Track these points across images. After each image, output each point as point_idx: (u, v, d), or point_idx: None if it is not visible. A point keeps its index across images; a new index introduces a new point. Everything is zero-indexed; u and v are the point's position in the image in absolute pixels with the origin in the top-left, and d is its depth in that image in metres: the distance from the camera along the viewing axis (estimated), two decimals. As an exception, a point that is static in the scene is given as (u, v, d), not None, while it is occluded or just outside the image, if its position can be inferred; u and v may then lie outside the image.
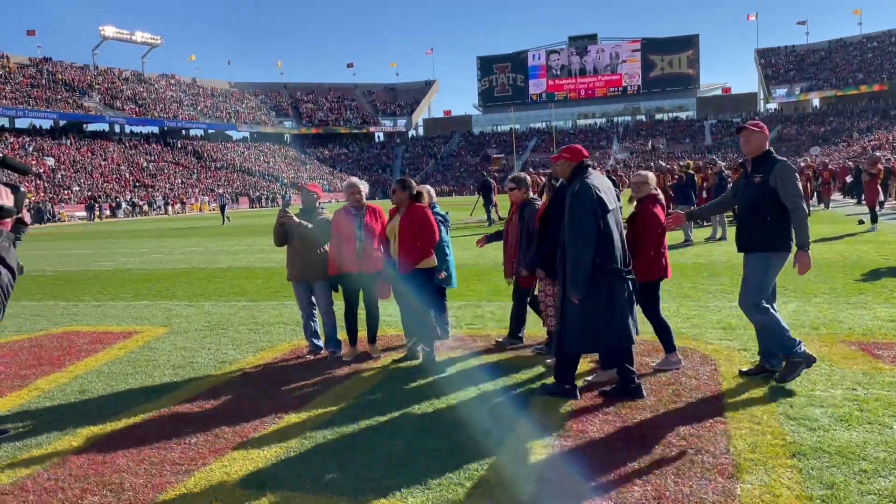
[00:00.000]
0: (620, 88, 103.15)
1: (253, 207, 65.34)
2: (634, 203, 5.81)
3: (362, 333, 6.79)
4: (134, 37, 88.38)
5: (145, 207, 58.04)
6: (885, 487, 3.48)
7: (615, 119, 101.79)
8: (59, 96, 72.87)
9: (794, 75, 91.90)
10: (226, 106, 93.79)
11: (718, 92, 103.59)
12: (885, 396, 4.80)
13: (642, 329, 6.05)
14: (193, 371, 6.42)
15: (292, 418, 4.96)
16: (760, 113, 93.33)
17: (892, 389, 4.95)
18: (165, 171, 71.45)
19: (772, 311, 5.17)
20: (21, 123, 70.44)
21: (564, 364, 5.11)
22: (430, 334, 6.30)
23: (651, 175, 5.87)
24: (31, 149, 62.96)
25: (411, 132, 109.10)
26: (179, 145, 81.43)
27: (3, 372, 6.67)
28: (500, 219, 23.51)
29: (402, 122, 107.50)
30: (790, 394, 4.94)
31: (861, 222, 18.03)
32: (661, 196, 5.82)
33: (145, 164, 71.07)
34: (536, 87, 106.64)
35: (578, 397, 5.06)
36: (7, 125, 68.89)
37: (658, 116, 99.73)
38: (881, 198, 19.71)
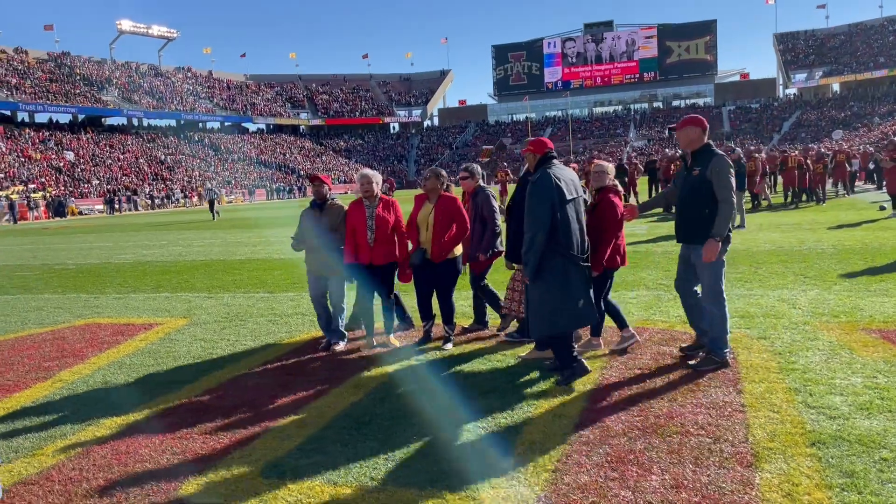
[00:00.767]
0: (637, 75, 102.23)
1: (270, 199, 65.61)
2: (593, 193, 5.96)
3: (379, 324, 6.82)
4: (150, 30, 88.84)
5: (164, 200, 58.44)
6: (907, 476, 3.46)
7: (632, 106, 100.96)
8: (78, 90, 73.45)
9: (813, 60, 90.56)
10: (242, 98, 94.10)
11: (736, 78, 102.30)
12: (906, 384, 4.76)
13: (657, 318, 6.06)
14: (213, 362, 6.48)
15: (311, 408, 5.00)
16: (780, 98, 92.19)
17: (914, 377, 4.90)
18: (183, 163, 71.90)
19: (725, 303, 5.41)
20: (40, 118, 71.12)
21: (557, 347, 5.34)
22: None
23: (610, 166, 6.00)
24: (50, 143, 63.59)
25: (426, 122, 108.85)
26: (196, 138, 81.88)
27: (27, 364, 6.78)
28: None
29: (417, 112, 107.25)
30: (810, 382, 4.91)
31: (882, 208, 17.80)
32: (619, 187, 6.00)
33: (163, 156, 71.56)
34: (552, 75, 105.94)
35: (590, 369, 5.32)
36: (27, 119, 69.58)
37: (675, 103, 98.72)
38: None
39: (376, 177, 6.64)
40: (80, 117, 73.49)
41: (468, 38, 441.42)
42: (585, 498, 3.43)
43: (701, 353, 5.55)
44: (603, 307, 5.97)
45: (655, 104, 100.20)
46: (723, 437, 4.07)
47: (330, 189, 6.90)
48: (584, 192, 5.73)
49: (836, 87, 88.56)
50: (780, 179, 24.28)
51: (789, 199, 21.52)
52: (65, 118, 72.58)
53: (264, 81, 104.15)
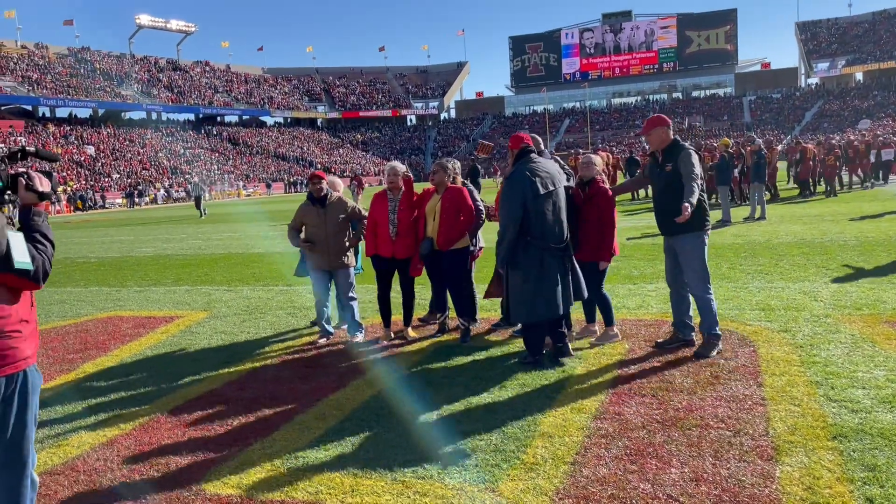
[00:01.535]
0: (656, 66, 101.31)
1: (288, 192, 65.91)
2: (583, 185, 6.06)
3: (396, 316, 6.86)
4: (169, 24, 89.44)
5: (182, 194, 58.88)
6: (930, 470, 3.42)
7: (651, 97, 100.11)
8: (98, 85, 74.13)
9: (836, 49, 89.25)
10: (259, 92, 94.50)
11: (757, 67, 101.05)
12: (930, 378, 4.70)
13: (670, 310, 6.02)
14: (233, 354, 6.55)
15: (330, 400, 5.04)
16: (801, 88, 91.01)
17: (938, 371, 4.84)
18: (202, 157, 72.39)
19: (711, 290, 5.65)
20: (61, 113, 71.96)
21: (529, 335, 5.64)
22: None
23: (598, 158, 6.13)
24: (71, 138, 64.28)
25: (443, 114, 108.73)
26: (215, 132, 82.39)
27: (51, 356, 6.88)
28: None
29: (433, 104, 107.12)
30: (831, 375, 4.87)
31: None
32: (606, 179, 6.14)
33: (182, 150, 72.09)
34: (570, 66, 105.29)
35: (544, 363, 5.57)
36: (48, 114, 70.38)
37: (695, 94, 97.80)
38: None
39: (402, 170, 6.64)
40: (100, 112, 74.20)
41: (485, 30, 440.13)
42: (604, 490, 3.43)
43: (701, 341, 5.69)
44: (603, 296, 6.10)
45: (675, 95, 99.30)
46: (743, 430, 4.05)
47: (328, 185, 6.84)
48: (570, 180, 6.04)
49: (859, 76, 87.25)
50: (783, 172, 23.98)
51: (803, 192, 21.36)
52: (85, 113, 73.36)
53: (282, 75, 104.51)
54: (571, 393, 4.89)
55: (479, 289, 6.95)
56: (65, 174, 55.20)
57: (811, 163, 21.11)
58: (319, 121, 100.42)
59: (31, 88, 66.58)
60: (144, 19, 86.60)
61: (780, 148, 21.18)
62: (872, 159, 23.43)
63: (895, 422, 4.01)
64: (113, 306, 9.56)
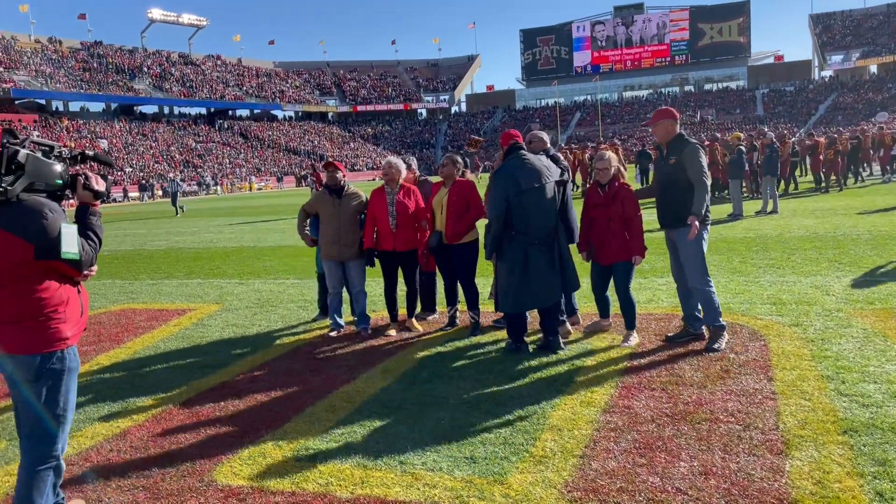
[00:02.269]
0: (668, 59, 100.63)
1: (300, 186, 66.05)
2: (600, 184, 6.02)
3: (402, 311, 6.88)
4: (181, 18, 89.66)
5: (194, 187, 59.14)
6: (941, 465, 3.41)
7: (662, 90, 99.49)
8: (111, 79, 74.50)
9: (850, 41, 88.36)
10: (270, 86, 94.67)
11: (770, 60, 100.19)
12: (942, 373, 4.67)
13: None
14: (245, 347, 6.59)
15: (341, 393, 5.07)
16: (815, 81, 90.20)
17: (951, 365, 4.82)
18: (214, 151, 72.67)
19: (711, 282, 5.67)
20: (74, 107, 72.36)
21: (512, 323, 5.85)
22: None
23: (612, 155, 6.06)
24: (84, 132, 64.67)
25: (454, 108, 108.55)
26: (226, 126, 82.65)
27: (65, 348, 6.94)
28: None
29: (444, 98, 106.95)
30: (843, 370, 4.85)
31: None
32: (624, 172, 6.12)
33: (194, 144, 72.37)
34: (581, 59, 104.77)
35: (528, 351, 5.78)
36: (61, 108, 70.82)
37: (707, 87, 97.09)
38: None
39: (400, 164, 6.71)
40: (113, 106, 74.57)
41: (496, 23, 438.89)
42: (613, 483, 3.44)
43: (708, 333, 5.71)
44: (628, 296, 5.96)
45: (687, 88, 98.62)
46: (753, 424, 4.05)
47: (344, 176, 6.89)
48: (565, 175, 6.08)
49: (873, 68, 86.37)
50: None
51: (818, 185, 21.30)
52: (98, 107, 73.74)
53: (293, 69, 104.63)
54: (581, 386, 4.90)
55: (485, 281, 6.96)
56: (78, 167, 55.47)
57: (821, 157, 20.96)
58: (330, 115, 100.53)
59: (44, 82, 67.00)
60: (156, 13, 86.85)
61: (792, 140, 20.95)
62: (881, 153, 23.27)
63: (906, 416, 3.99)
64: (126, 299, 9.64)
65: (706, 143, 19.79)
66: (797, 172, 22.20)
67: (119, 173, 58.53)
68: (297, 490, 3.59)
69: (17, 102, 65.69)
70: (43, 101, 68.45)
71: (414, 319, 6.93)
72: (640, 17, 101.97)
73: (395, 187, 6.61)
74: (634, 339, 5.92)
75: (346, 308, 7.25)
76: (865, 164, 25.10)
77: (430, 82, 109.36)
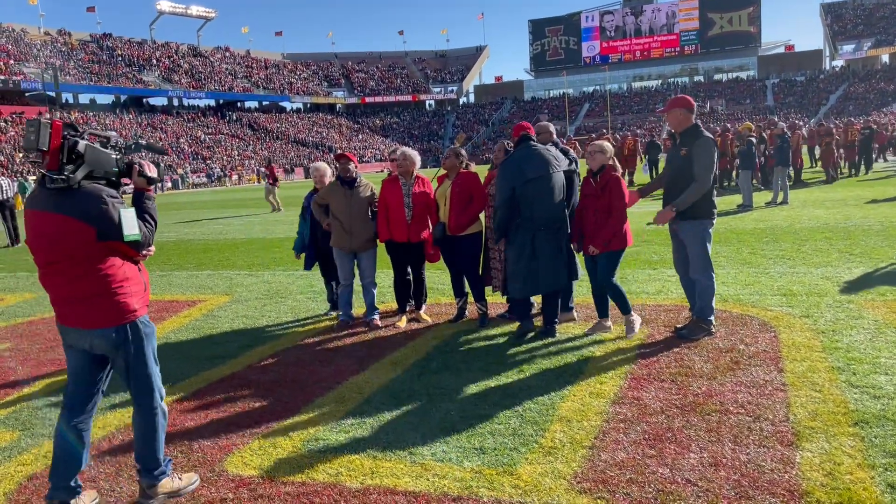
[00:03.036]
0: (677, 49, 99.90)
1: (308, 178, 66.10)
2: (595, 174, 5.97)
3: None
4: (189, 10, 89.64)
5: (203, 178, 59.28)
6: (953, 457, 3.39)
7: (672, 80, 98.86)
8: (120, 71, 74.66)
9: (862, 30, 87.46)
10: (279, 77, 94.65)
11: (781, 50, 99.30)
12: (954, 364, 4.65)
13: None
14: (255, 338, 6.62)
15: (350, 383, 5.08)
16: (826, 71, 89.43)
17: (963, 357, 4.78)
18: (222, 143, 72.79)
19: (714, 276, 5.68)
20: (84, 99, 72.62)
21: (516, 305, 6.19)
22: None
23: (607, 145, 6.01)
24: (94, 124, 64.89)
25: (462, 99, 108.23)
26: (235, 117, 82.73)
27: (76, 339, 6.99)
28: None
29: (452, 89, 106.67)
30: (854, 361, 4.82)
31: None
32: (618, 165, 6.04)
33: (203, 136, 72.52)
34: (590, 49, 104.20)
35: (532, 326, 6.09)
36: (71, 101, 71.05)
37: (717, 77, 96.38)
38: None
39: (415, 156, 6.70)
40: (123, 98, 74.75)
41: (505, 13, 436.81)
42: (623, 475, 3.44)
43: (689, 321, 5.80)
44: (614, 287, 5.95)
45: (696, 78, 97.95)
46: (763, 415, 4.04)
47: (356, 167, 6.90)
48: (573, 165, 6.33)
49: (885, 58, 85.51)
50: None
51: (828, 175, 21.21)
52: (107, 99, 73.95)
53: (301, 60, 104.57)
54: (590, 377, 4.89)
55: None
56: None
57: (834, 147, 20.84)
58: (339, 106, 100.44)
59: (53, 75, 67.19)
60: (165, 5, 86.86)
61: (802, 133, 20.82)
62: None
63: (918, 408, 3.97)
64: (136, 290, 9.67)
65: (717, 134, 19.66)
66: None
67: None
68: (307, 480, 3.61)
69: (27, 94, 65.95)
70: (53, 94, 68.65)
71: (422, 311, 6.94)
72: (650, 6, 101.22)
73: (411, 178, 6.60)
74: (637, 322, 5.94)
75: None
76: (881, 154, 24.91)
77: (439, 73, 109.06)
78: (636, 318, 6.00)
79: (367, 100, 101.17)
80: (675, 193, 5.68)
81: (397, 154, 6.71)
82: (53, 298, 3.36)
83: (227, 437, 4.24)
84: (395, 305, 7.17)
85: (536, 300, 6.57)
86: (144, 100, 77.68)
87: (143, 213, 3.39)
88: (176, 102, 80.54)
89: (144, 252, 3.43)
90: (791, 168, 17.46)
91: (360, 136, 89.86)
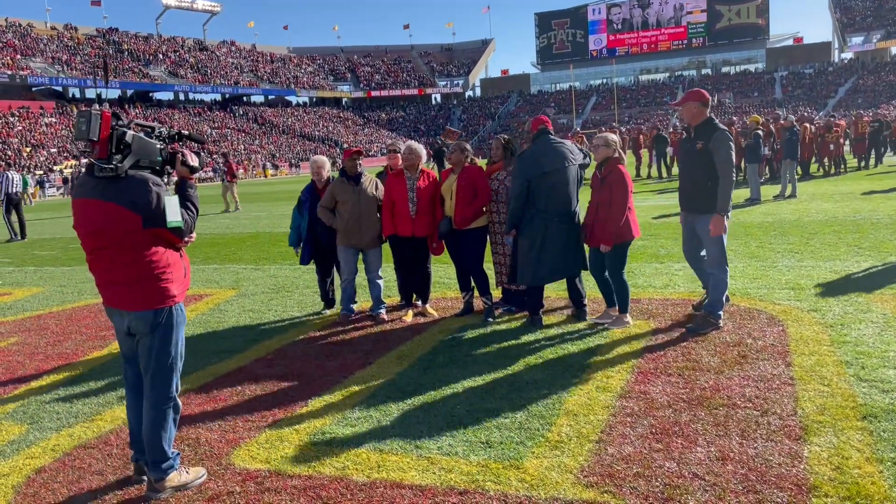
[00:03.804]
0: (685, 41, 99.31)
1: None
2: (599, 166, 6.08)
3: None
4: (195, 4, 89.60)
5: (210, 173, 59.35)
6: (963, 451, 3.37)
7: (679, 73, 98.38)
8: (126, 66, 74.77)
9: (871, 22, 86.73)
10: (285, 71, 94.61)
11: (789, 42, 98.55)
12: (964, 358, 4.61)
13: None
14: (262, 332, 6.63)
15: (357, 378, 5.09)
16: (835, 63, 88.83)
17: (973, 351, 4.75)
18: (228, 137, 72.87)
19: (728, 271, 5.72)
20: (90, 94, 72.69)
21: (531, 295, 6.24)
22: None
23: (613, 137, 6.07)
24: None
25: (468, 93, 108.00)
26: (241, 112, 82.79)
27: (84, 333, 7.02)
28: None
29: (458, 82, 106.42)
30: (862, 355, 4.80)
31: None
32: (624, 157, 6.08)
33: (209, 130, 72.60)
34: (596, 42, 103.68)
35: (542, 324, 6.15)
36: (77, 95, 71.21)
37: (725, 69, 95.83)
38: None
39: (421, 150, 6.69)
40: (129, 92, 74.88)
41: (511, 6, 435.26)
42: (629, 469, 3.43)
43: (698, 315, 5.87)
44: (620, 282, 6.00)
45: (704, 71, 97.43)
46: (771, 409, 4.02)
47: (362, 163, 6.88)
48: (587, 159, 6.42)
49: (894, 50, 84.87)
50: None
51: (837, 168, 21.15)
52: (114, 94, 74.02)
53: (307, 54, 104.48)
54: (597, 371, 4.88)
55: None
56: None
57: (842, 139, 20.73)
58: (344, 100, 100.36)
59: (60, 69, 67.35)
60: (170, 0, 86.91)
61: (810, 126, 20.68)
62: None
63: (927, 402, 3.95)
64: (143, 285, 9.69)
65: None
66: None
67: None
68: (313, 474, 3.61)
69: (33, 89, 66.14)
70: (59, 88, 68.82)
71: (428, 305, 6.94)
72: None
73: (416, 172, 6.60)
74: (627, 325, 5.94)
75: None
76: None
77: (445, 67, 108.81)
78: (629, 321, 5.99)
79: (373, 94, 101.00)
80: (691, 188, 5.74)
81: (402, 148, 6.69)
82: (99, 282, 3.47)
83: (234, 430, 4.25)
84: (399, 300, 7.16)
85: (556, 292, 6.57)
86: (151, 94, 77.79)
87: (185, 200, 3.50)
88: (182, 97, 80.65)
89: (186, 239, 3.53)
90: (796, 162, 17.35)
91: (367, 130, 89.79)
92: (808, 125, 19.61)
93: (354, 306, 6.98)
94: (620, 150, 6.02)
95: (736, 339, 5.37)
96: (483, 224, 6.53)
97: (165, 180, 3.46)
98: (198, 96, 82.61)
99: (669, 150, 23.46)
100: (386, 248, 6.89)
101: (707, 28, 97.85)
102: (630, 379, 4.69)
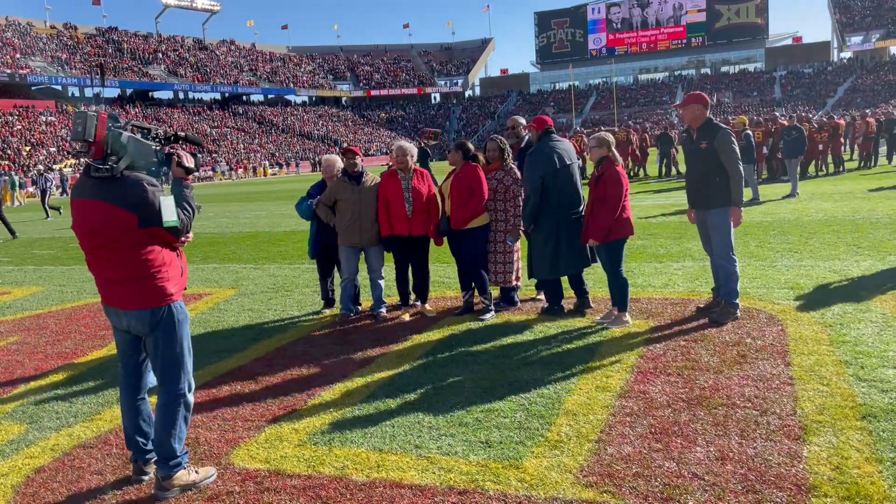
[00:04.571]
0: (684, 41, 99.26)
1: (314, 171, 66.15)
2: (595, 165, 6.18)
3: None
4: (194, 3, 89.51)
5: (209, 172, 59.34)
6: (962, 451, 3.37)
7: (678, 73, 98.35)
8: (126, 65, 74.72)
9: (870, 22, 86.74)
10: (284, 71, 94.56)
11: (789, 42, 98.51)
12: (963, 358, 4.62)
13: (703, 290, 5.96)
14: (261, 331, 6.63)
15: (356, 377, 5.09)
16: (834, 63, 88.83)
17: (972, 351, 4.75)
18: (228, 136, 72.85)
19: (736, 261, 5.96)
20: (90, 93, 72.64)
21: (550, 287, 6.51)
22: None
23: (609, 136, 6.14)
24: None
25: (468, 92, 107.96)
26: (241, 111, 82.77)
27: (84, 332, 7.02)
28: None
29: (458, 82, 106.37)
30: (861, 355, 4.80)
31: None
32: (619, 157, 6.14)
33: (209, 129, 72.57)
34: (596, 42, 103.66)
35: (564, 310, 6.48)
36: (77, 94, 71.16)
37: (724, 69, 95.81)
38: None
39: (412, 149, 6.71)
40: (129, 91, 74.85)
41: (510, 6, 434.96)
42: (629, 469, 3.43)
43: (718, 307, 6.00)
44: (618, 279, 6.04)
45: (703, 70, 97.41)
46: (770, 409, 4.02)
47: (362, 161, 6.87)
48: (580, 161, 6.69)
49: (893, 50, 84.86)
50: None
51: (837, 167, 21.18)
52: (113, 92, 74.02)
53: (306, 53, 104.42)
54: (596, 371, 4.88)
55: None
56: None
57: (842, 139, 20.72)
58: (344, 99, 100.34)
59: (59, 69, 67.30)
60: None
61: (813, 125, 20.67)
62: None
63: (926, 402, 3.95)
64: (142, 284, 9.69)
65: None
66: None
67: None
68: (313, 473, 3.61)
69: (33, 88, 66.08)
70: (59, 87, 68.76)
71: (427, 304, 6.95)
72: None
73: (409, 172, 6.61)
74: (624, 321, 5.97)
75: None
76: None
77: (444, 66, 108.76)
78: (628, 320, 6.01)
79: (373, 93, 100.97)
80: (699, 186, 6.00)
81: (394, 148, 6.72)
82: (98, 281, 3.52)
83: (234, 430, 4.25)
84: (398, 299, 7.16)
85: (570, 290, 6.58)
86: (150, 93, 77.75)
87: (181, 201, 3.52)
88: (181, 96, 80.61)
89: (183, 238, 3.55)
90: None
91: (366, 130, 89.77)
92: (806, 124, 19.59)
93: (357, 307, 6.98)
94: (615, 151, 6.04)
95: (735, 339, 5.37)
96: (484, 223, 6.52)
97: (161, 181, 3.48)
98: (197, 95, 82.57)
99: (674, 150, 23.46)
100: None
101: (706, 28, 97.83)
102: (629, 378, 4.69)
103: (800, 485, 3.18)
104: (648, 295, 7.00)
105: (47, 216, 23.61)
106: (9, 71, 61.36)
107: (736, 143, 5.87)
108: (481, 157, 6.68)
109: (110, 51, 76.45)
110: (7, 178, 32.74)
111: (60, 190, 44.90)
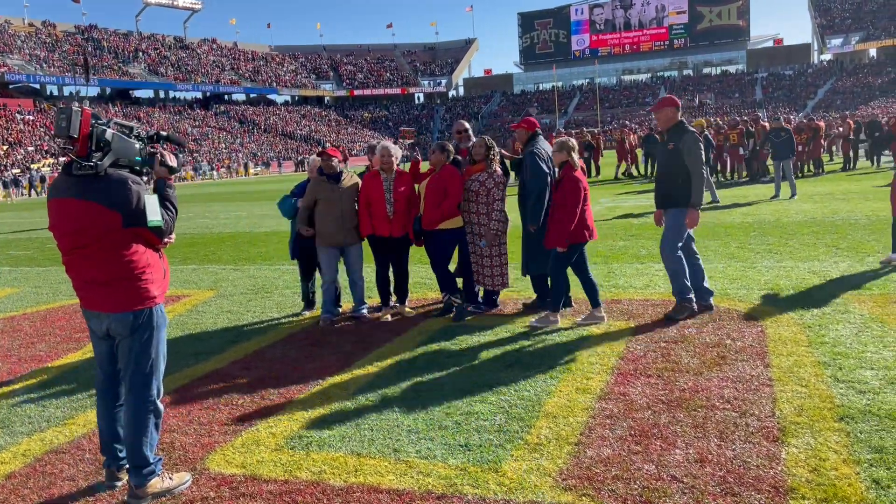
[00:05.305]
0: (666, 42, 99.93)
1: (297, 171, 65.83)
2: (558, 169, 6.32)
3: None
4: (175, 1, 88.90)
5: (191, 172, 58.90)
6: (938, 452, 3.39)
7: (661, 74, 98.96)
8: (105, 63, 73.99)
9: (850, 24, 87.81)
10: (267, 70, 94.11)
11: (770, 44, 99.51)
12: (940, 359, 4.65)
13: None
14: (240, 334, 6.56)
15: (335, 380, 5.04)
16: (814, 65, 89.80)
17: (948, 351, 4.79)
18: (210, 136, 72.35)
19: (682, 258, 6.09)
20: (68, 91, 71.87)
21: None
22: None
23: (572, 141, 6.20)
24: (80, 116, 64.20)
25: (451, 92, 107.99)
26: (222, 110, 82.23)
27: (58, 335, 6.91)
28: None
29: (442, 82, 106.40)
30: (839, 356, 4.82)
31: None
32: (579, 163, 6.21)
33: (190, 129, 72.03)
34: (579, 43, 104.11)
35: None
36: (55, 93, 70.35)
37: (706, 70, 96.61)
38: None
39: (397, 151, 6.66)
40: (108, 90, 74.13)
41: (494, 6, 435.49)
42: (608, 471, 3.42)
43: (711, 301, 6.23)
44: (557, 277, 6.15)
45: (685, 72, 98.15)
46: (749, 411, 4.02)
47: (340, 161, 6.79)
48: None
49: (872, 52, 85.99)
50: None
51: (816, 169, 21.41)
52: (93, 91, 73.26)
53: (289, 53, 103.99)
54: (576, 373, 4.87)
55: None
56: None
57: (823, 140, 20.92)
58: (327, 99, 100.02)
59: (38, 67, 66.50)
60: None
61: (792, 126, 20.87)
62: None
63: (903, 403, 3.97)
64: (120, 285, 9.57)
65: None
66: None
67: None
68: (290, 478, 3.56)
69: (11, 87, 65.23)
70: (37, 86, 67.95)
71: (406, 305, 6.91)
72: (639, 0, 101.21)
73: (391, 173, 6.56)
74: (551, 320, 6.07)
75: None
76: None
77: (428, 66, 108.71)
78: (556, 319, 6.09)
79: (356, 93, 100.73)
80: (664, 185, 6.18)
81: (378, 148, 6.63)
82: (77, 283, 3.42)
83: (209, 434, 4.19)
84: (378, 300, 7.11)
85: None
86: (130, 92, 77.06)
87: (164, 200, 3.47)
88: (162, 95, 79.99)
89: (165, 240, 3.49)
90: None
91: (349, 130, 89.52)
92: (788, 126, 19.75)
93: (338, 308, 6.92)
94: (575, 156, 6.08)
95: (715, 340, 5.38)
96: (456, 226, 6.49)
97: (144, 180, 3.44)
98: (178, 94, 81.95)
99: None
100: (366, 247, 6.84)
101: (688, 29, 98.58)
102: (610, 380, 4.68)
103: (778, 487, 3.18)
104: (629, 296, 7.01)
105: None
106: (-14, 69, 60.57)
107: (702, 146, 6.02)
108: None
109: (90, 49, 75.64)
110: None
111: (43, 191, 44.40)
